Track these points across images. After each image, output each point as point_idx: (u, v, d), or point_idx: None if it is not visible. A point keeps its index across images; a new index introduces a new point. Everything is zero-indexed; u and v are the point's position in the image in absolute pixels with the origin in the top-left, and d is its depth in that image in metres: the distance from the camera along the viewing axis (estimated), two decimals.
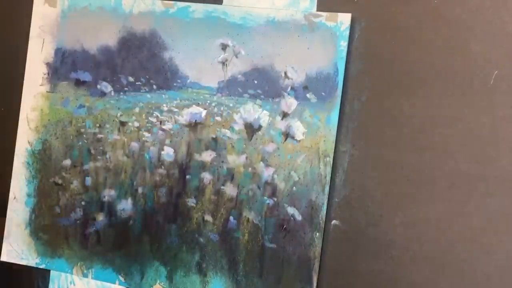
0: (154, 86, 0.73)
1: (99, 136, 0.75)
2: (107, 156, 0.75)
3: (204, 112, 0.72)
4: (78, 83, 0.76)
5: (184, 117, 0.72)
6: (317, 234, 0.68)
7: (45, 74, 0.77)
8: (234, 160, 0.70)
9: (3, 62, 0.80)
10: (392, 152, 0.66)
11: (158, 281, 0.73)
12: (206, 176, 0.71)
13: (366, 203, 0.67)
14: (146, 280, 0.74)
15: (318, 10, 0.68)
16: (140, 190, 0.74)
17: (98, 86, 0.75)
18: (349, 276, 0.67)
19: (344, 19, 0.67)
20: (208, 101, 0.71)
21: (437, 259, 0.65)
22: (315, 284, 0.68)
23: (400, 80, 0.66)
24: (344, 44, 0.67)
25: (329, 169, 0.67)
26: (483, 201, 0.63)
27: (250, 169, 0.70)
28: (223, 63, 0.71)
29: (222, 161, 0.71)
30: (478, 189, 0.64)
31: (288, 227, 0.69)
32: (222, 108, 0.71)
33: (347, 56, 0.67)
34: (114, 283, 0.75)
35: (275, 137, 0.69)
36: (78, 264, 0.76)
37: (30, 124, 0.78)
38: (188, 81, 0.72)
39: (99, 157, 0.75)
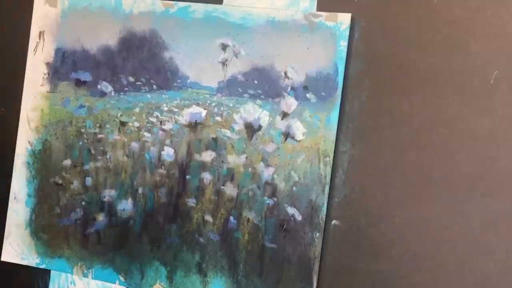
0: (154, 86, 0.73)
1: (99, 136, 0.75)
2: (108, 156, 0.75)
3: (204, 112, 0.72)
4: (79, 83, 0.76)
5: (184, 117, 0.72)
6: (317, 234, 0.68)
7: (45, 74, 0.77)
8: (234, 160, 0.70)
9: (3, 62, 0.80)
10: (392, 152, 0.66)
11: (158, 281, 0.73)
12: (206, 176, 0.71)
13: (366, 203, 0.67)
14: (146, 280, 0.74)
15: (318, 10, 0.68)
16: (140, 190, 0.74)
17: (99, 86, 0.75)
18: (349, 276, 0.67)
19: (344, 19, 0.67)
20: (208, 101, 0.71)
21: (437, 259, 0.65)
22: (315, 284, 0.68)
23: (400, 80, 0.66)
24: (344, 44, 0.67)
25: (329, 169, 0.67)
26: (483, 201, 0.63)
27: (250, 169, 0.70)
28: (223, 63, 0.71)
29: (222, 161, 0.71)
30: (478, 189, 0.64)
31: (288, 227, 0.69)
32: (222, 108, 0.71)
33: (347, 56, 0.67)
34: (114, 283, 0.75)
35: (275, 137, 0.69)
36: (78, 264, 0.76)
37: (31, 124, 0.78)
38: (188, 81, 0.72)
39: (99, 157, 0.75)
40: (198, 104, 0.72)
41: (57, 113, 0.77)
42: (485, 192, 0.63)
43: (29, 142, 0.78)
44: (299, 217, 0.68)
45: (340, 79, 0.67)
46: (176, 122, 0.73)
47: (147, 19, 0.73)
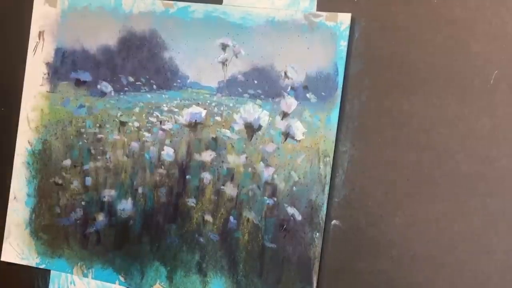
0: (154, 86, 0.73)
1: (99, 136, 0.75)
2: (107, 156, 0.75)
3: (204, 112, 0.72)
4: (78, 83, 0.76)
5: (184, 117, 0.72)
6: (317, 234, 0.68)
7: (45, 74, 0.77)
8: (234, 160, 0.70)
9: (3, 62, 0.80)
10: (392, 152, 0.66)
11: (158, 281, 0.73)
12: (206, 176, 0.71)
13: (366, 203, 0.67)
14: (146, 280, 0.74)
15: (318, 10, 0.68)
16: (140, 190, 0.74)
17: (98, 86, 0.75)
18: (349, 276, 0.67)
19: (344, 19, 0.67)
20: (208, 101, 0.71)
21: (437, 259, 0.65)
22: (315, 284, 0.68)
23: (400, 80, 0.66)
24: (344, 44, 0.67)
25: (329, 169, 0.67)
26: (483, 201, 0.63)
27: (250, 169, 0.70)
28: (223, 63, 0.71)
29: (222, 161, 0.71)
30: (478, 189, 0.64)
31: (288, 227, 0.69)
32: (222, 108, 0.71)
33: (347, 56, 0.67)
34: (114, 283, 0.75)
35: (275, 137, 0.69)
36: (78, 264, 0.76)
37: (31, 124, 0.78)
38: (188, 81, 0.72)
39: (99, 157, 0.75)
40: (198, 104, 0.72)
41: (57, 113, 0.77)
42: (485, 192, 0.63)
43: (29, 142, 0.78)
44: (299, 217, 0.68)
45: (340, 79, 0.67)
46: (176, 122, 0.72)
47: (147, 19, 0.73)
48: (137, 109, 0.74)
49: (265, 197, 0.69)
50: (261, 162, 0.70)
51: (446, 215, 0.64)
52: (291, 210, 0.69)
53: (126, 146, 0.74)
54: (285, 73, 0.69)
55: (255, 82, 0.70)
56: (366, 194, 0.67)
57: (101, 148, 0.75)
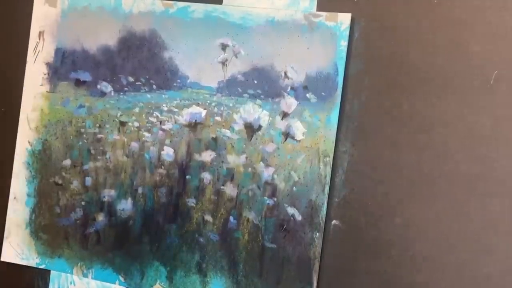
0: (154, 86, 0.73)
1: (99, 136, 0.75)
2: (107, 156, 0.75)
3: (204, 112, 0.72)
4: (78, 83, 0.76)
5: (184, 117, 0.72)
6: (317, 234, 0.68)
7: (45, 74, 0.77)
8: (234, 160, 0.70)
9: (4, 62, 0.80)
10: (392, 152, 0.66)
11: (158, 281, 0.73)
12: (206, 176, 0.71)
13: (366, 203, 0.67)
14: (146, 280, 0.74)
15: (318, 10, 0.68)
16: (140, 190, 0.74)
17: (98, 86, 0.75)
18: (349, 276, 0.67)
19: (344, 19, 0.67)
20: (208, 101, 0.71)
21: (436, 259, 0.64)
22: (315, 284, 0.68)
23: (400, 80, 0.66)
24: (344, 44, 0.67)
25: (329, 169, 0.67)
26: (483, 201, 0.63)
27: (250, 169, 0.70)
28: (223, 63, 0.71)
29: (222, 161, 0.71)
30: (478, 189, 0.63)
31: (288, 227, 0.69)
32: (222, 108, 0.71)
33: (347, 56, 0.67)
34: (114, 283, 0.75)
35: (275, 137, 0.69)
36: (78, 264, 0.76)
37: (31, 124, 0.78)
38: (188, 81, 0.72)
39: (99, 157, 0.75)
40: (198, 104, 0.72)
41: (57, 113, 0.77)
42: (485, 192, 0.63)
43: (29, 142, 0.78)
44: (299, 217, 0.68)
45: (340, 79, 0.67)
46: (175, 122, 0.72)
47: (146, 19, 0.73)
48: (137, 109, 0.74)
49: (265, 197, 0.69)
50: (261, 162, 0.70)
51: (445, 215, 0.64)
52: (291, 210, 0.69)
53: (126, 146, 0.74)
54: (285, 73, 0.69)
55: (255, 82, 0.70)
56: (366, 194, 0.67)
57: (101, 148, 0.75)
